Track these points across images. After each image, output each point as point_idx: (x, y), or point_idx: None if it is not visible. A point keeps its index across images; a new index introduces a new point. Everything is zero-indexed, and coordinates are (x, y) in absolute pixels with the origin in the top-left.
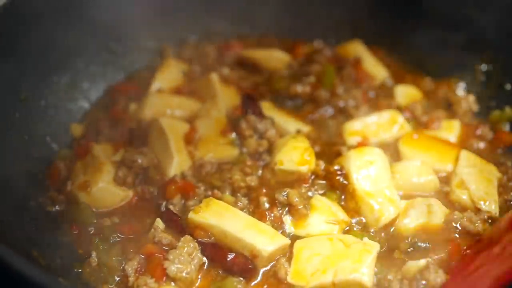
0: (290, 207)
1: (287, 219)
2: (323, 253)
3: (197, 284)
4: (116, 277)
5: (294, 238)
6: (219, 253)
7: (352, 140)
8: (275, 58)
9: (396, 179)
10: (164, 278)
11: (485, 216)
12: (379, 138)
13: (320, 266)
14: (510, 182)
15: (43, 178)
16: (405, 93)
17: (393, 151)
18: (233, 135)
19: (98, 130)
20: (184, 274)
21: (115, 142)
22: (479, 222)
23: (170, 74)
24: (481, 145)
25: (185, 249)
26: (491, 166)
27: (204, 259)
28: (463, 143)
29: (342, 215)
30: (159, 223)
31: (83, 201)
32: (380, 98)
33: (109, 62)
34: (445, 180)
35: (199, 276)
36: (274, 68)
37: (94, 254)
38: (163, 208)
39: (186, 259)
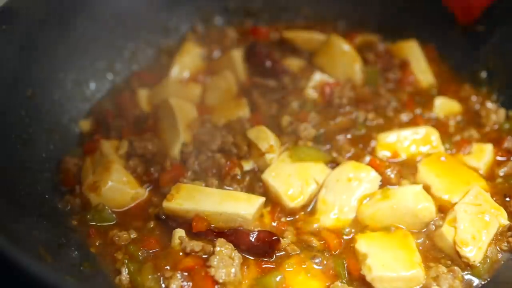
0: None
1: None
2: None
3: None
4: None
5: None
6: (242, 237)
7: (382, 153)
8: (316, 40)
9: (391, 203)
10: (216, 287)
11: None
12: (409, 154)
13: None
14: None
15: (50, 177)
16: (445, 105)
17: (413, 169)
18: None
19: (105, 122)
20: (232, 276)
21: (121, 133)
22: None
23: (188, 58)
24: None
25: (224, 251)
26: (500, 210)
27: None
28: (491, 170)
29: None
30: (180, 232)
31: (99, 202)
32: (420, 106)
33: (116, 59)
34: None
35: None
36: (314, 49)
37: (124, 271)
38: (162, 216)
39: (228, 261)
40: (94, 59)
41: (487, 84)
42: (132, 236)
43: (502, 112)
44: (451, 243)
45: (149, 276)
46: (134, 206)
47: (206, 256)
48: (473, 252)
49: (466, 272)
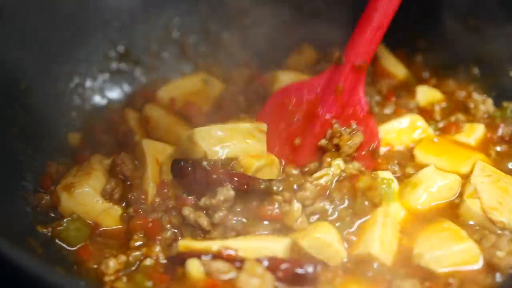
0: None
1: None
2: None
3: None
4: None
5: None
6: (277, 264)
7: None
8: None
9: (423, 188)
10: None
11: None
12: (403, 144)
13: None
14: None
15: (38, 176)
16: (426, 93)
17: (409, 157)
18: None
19: (96, 141)
20: None
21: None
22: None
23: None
24: (503, 148)
25: (256, 269)
26: (509, 178)
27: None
28: (484, 147)
29: None
30: (194, 260)
31: (71, 212)
32: (400, 98)
33: (113, 54)
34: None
35: None
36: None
37: None
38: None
39: (259, 278)
40: (90, 52)
41: (473, 80)
42: (119, 261)
43: (489, 101)
44: (480, 212)
45: None
46: (110, 232)
47: (232, 276)
48: (506, 215)
49: None
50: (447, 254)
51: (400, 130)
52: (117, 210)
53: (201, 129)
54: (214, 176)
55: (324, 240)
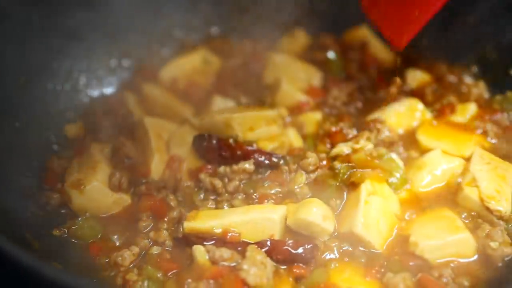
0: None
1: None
2: None
3: None
4: None
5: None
6: (278, 246)
7: (382, 135)
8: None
9: (427, 171)
10: None
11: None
12: (404, 127)
13: None
14: None
15: (39, 172)
16: (416, 76)
17: (411, 140)
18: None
19: (96, 127)
20: (265, 280)
21: (111, 136)
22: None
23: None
24: (496, 129)
25: (256, 256)
26: (507, 164)
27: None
28: (480, 125)
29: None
30: (199, 247)
31: (84, 209)
32: (392, 82)
33: (111, 51)
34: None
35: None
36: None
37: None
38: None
39: (260, 265)
40: (89, 49)
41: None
42: (133, 252)
43: (482, 84)
44: (478, 201)
45: None
46: (119, 215)
47: (235, 264)
48: (503, 204)
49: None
50: (442, 244)
51: (400, 114)
52: (126, 199)
53: (238, 116)
54: (239, 152)
55: (309, 221)
